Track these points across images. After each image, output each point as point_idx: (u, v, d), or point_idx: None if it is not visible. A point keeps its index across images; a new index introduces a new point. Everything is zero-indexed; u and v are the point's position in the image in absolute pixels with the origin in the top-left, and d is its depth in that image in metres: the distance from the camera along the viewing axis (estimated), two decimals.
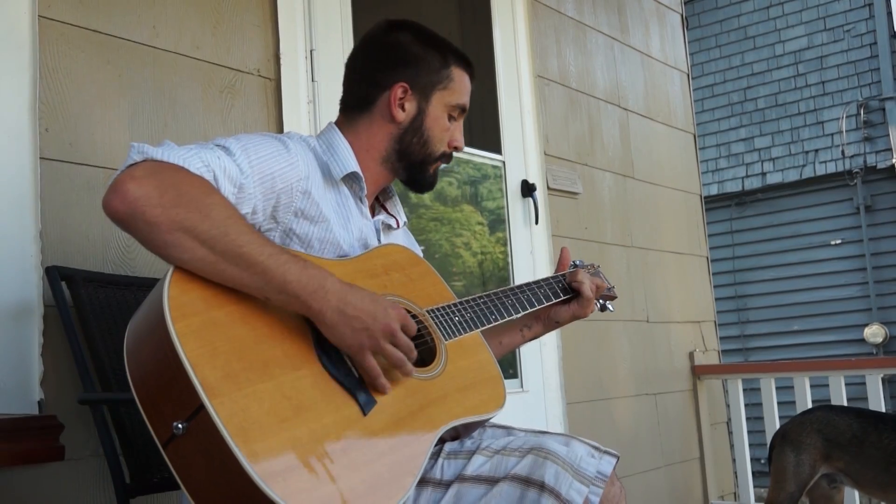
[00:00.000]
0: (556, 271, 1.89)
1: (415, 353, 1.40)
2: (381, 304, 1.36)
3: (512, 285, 1.79)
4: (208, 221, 1.27)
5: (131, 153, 1.32)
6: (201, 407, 1.15)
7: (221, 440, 1.13)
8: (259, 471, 1.13)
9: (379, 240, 1.67)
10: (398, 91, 1.64)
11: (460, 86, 1.70)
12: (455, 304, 1.62)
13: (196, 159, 1.35)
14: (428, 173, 1.72)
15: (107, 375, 1.75)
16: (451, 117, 1.70)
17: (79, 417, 1.82)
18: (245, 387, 1.20)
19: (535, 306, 1.79)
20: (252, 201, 1.42)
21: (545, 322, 1.86)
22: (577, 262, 1.94)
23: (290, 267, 1.29)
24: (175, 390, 1.18)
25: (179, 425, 1.16)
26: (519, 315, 1.75)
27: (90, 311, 1.78)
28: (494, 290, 1.72)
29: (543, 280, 1.83)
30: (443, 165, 1.76)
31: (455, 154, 1.76)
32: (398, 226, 1.77)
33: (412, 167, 1.70)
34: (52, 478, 1.81)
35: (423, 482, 1.46)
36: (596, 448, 1.48)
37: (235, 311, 1.29)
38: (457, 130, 1.72)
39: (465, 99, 1.71)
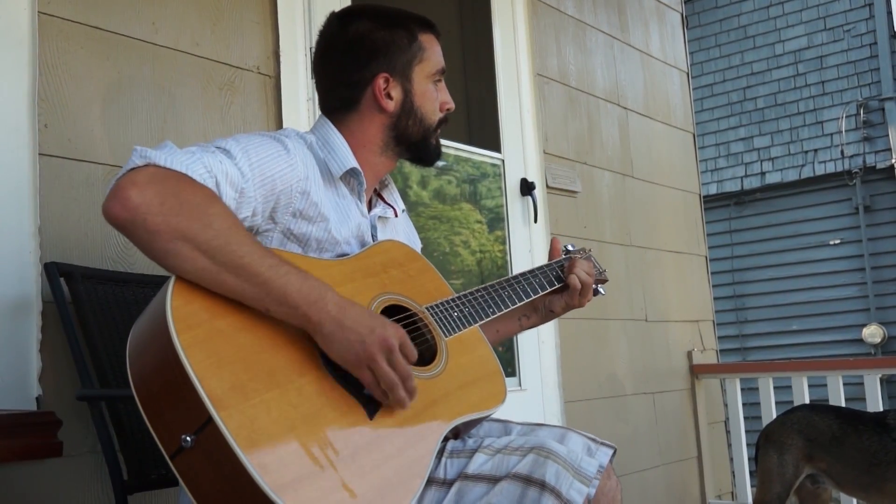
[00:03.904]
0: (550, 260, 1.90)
1: (412, 383, 1.34)
2: (380, 320, 1.34)
3: (508, 276, 1.79)
4: (210, 231, 1.26)
5: (133, 157, 1.30)
6: (210, 420, 1.14)
7: (231, 453, 1.13)
8: (270, 482, 1.12)
9: (374, 236, 1.66)
10: (380, 82, 1.63)
11: (433, 51, 1.69)
12: (453, 300, 1.62)
13: (199, 164, 1.34)
14: (431, 145, 1.72)
15: (105, 372, 1.75)
16: (434, 83, 1.69)
17: (77, 413, 1.82)
18: (252, 397, 1.20)
19: (532, 296, 1.79)
20: (252, 204, 1.42)
21: (542, 312, 1.88)
22: (569, 247, 1.94)
23: (290, 279, 1.28)
24: (182, 403, 1.16)
25: (188, 438, 1.15)
26: (516, 306, 1.75)
27: (89, 307, 1.78)
28: (491, 283, 1.72)
29: (538, 269, 1.83)
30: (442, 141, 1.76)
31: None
32: (396, 214, 1.76)
33: (415, 146, 1.70)
34: (50, 474, 1.80)
35: (428, 481, 1.45)
36: (593, 440, 1.49)
37: (238, 320, 1.28)
38: (443, 93, 1.72)
39: (442, 61, 1.71)
